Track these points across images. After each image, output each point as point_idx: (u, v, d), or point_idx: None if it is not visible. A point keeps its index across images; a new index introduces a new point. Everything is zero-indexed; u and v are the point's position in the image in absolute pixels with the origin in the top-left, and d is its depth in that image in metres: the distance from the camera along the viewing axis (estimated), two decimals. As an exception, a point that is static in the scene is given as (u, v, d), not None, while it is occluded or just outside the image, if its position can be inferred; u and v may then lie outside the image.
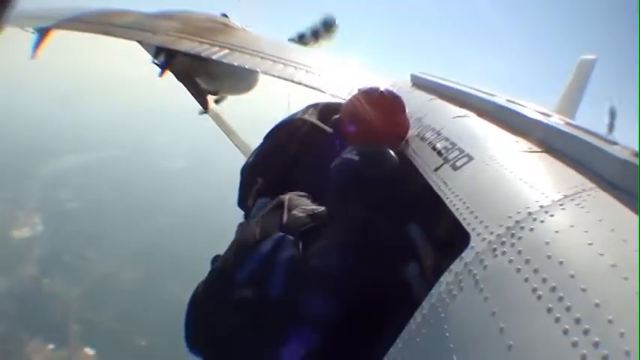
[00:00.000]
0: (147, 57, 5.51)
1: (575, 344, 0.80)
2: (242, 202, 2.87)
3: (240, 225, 2.48)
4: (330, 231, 1.80)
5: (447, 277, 1.23)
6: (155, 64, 5.20)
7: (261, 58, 4.42)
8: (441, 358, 1.12)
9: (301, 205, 2.02)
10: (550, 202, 1.18)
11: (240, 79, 6.15)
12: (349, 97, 2.83)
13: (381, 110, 2.54)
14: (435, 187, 1.72)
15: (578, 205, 1.15)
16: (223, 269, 1.95)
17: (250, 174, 2.91)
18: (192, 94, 5.72)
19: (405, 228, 1.94)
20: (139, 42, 5.22)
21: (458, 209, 1.46)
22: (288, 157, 2.70)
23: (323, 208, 1.97)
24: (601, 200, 1.17)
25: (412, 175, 2.14)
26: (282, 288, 1.72)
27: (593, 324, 0.81)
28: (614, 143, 1.31)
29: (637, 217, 1.06)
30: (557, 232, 1.08)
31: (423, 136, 2.31)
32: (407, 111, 2.65)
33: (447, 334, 1.12)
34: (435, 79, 3.00)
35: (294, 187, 2.29)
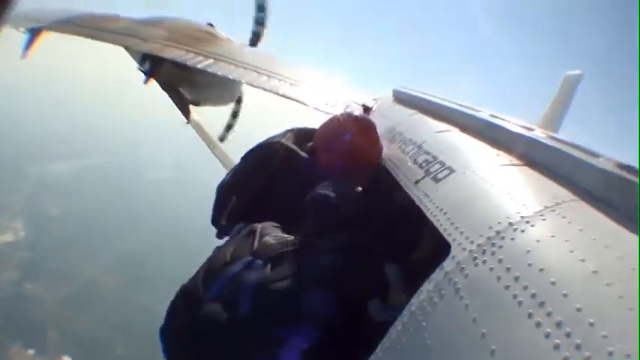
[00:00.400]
0: (134, 64, 5.56)
1: (557, 347, 0.81)
2: (215, 221, 2.89)
3: (217, 248, 2.50)
4: (300, 259, 1.87)
5: (427, 286, 1.23)
6: (140, 71, 5.23)
7: (245, 68, 4.44)
8: None
9: (273, 233, 2.09)
10: (531, 212, 1.19)
11: (224, 90, 6.19)
12: (322, 123, 2.90)
13: (354, 136, 2.62)
14: (416, 200, 1.72)
15: (558, 215, 1.16)
16: (192, 287, 2.01)
17: (225, 193, 2.93)
18: (175, 104, 5.73)
19: (376, 264, 2.01)
20: (126, 48, 5.24)
21: (438, 220, 1.46)
22: (264, 180, 2.74)
23: (293, 237, 2.03)
24: (582, 211, 1.18)
25: (386, 206, 2.26)
26: (248, 308, 1.78)
27: (574, 327, 0.81)
28: (597, 155, 1.32)
29: (619, 226, 1.07)
30: (538, 241, 1.09)
31: (404, 149, 2.32)
32: (388, 126, 2.69)
33: (428, 342, 1.11)
34: (416, 94, 3.02)
35: (268, 210, 2.37)
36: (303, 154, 2.75)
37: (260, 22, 6.37)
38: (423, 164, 1.95)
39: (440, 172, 1.76)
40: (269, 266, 1.87)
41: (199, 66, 4.51)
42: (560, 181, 1.35)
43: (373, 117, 3.36)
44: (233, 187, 2.90)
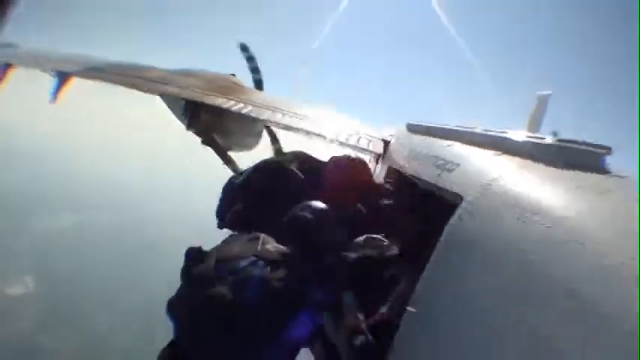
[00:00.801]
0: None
1: (536, 223, 1.65)
2: (220, 215, 3.57)
3: (224, 241, 2.96)
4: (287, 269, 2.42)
5: (456, 215, 2.10)
6: (184, 117, 5.45)
7: (283, 114, 4.88)
8: (467, 259, 1.93)
9: (272, 243, 2.59)
10: (506, 172, 2.11)
11: (248, 136, 6.40)
12: (329, 159, 3.63)
13: (349, 172, 3.48)
14: (440, 184, 2.58)
15: (524, 171, 2.08)
16: (205, 271, 2.48)
17: (231, 196, 3.58)
18: (213, 149, 5.91)
19: (329, 286, 2.58)
20: (162, 96, 5.40)
21: (454, 189, 2.34)
22: (268, 194, 3.35)
23: (286, 249, 2.57)
24: (537, 169, 2.09)
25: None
26: (250, 295, 2.26)
27: (545, 217, 1.66)
28: (544, 137, 2.28)
29: (555, 169, 2.00)
30: (512, 183, 1.99)
31: (424, 161, 3.19)
32: (410, 149, 3.57)
33: (469, 239, 1.96)
34: (425, 124, 3.90)
35: (266, 219, 2.85)
36: (301, 175, 3.50)
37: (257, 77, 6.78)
38: (440, 165, 2.81)
39: (451, 167, 2.64)
40: (268, 268, 2.36)
41: (243, 111, 4.78)
42: (524, 157, 2.27)
43: (393, 147, 4.30)
44: (238, 192, 3.56)
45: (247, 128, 6.19)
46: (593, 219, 1.55)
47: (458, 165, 2.61)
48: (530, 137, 2.40)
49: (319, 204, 2.85)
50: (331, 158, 3.71)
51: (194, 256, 3.14)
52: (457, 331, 1.83)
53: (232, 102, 4.91)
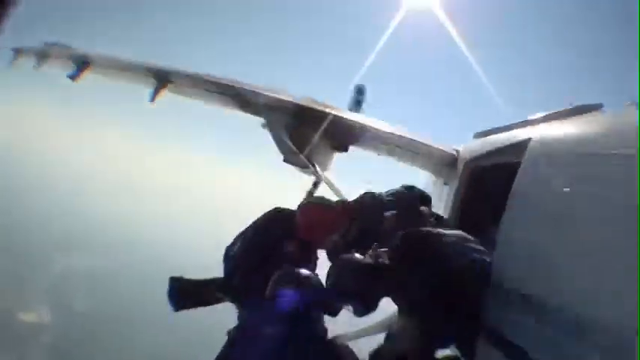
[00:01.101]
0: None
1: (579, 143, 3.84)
2: (229, 281, 3.89)
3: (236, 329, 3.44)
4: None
5: (530, 145, 3.97)
6: (283, 131, 5.54)
7: (373, 124, 6.02)
8: (547, 172, 3.62)
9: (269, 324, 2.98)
10: (550, 125, 4.24)
11: (329, 153, 6.53)
12: (298, 208, 4.06)
13: (319, 216, 3.88)
14: (512, 142, 4.61)
15: (561, 122, 4.15)
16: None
17: (231, 266, 3.87)
18: (309, 161, 5.90)
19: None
20: (270, 107, 5.53)
21: (515, 138, 4.43)
22: (259, 266, 3.59)
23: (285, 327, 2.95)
24: (567, 119, 4.14)
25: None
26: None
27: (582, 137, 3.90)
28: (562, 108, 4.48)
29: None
30: (555, 127, 4.09)
31: (495, 144, 5.14)
32: (480, 145, 5.39)
33: (545, 160, 3.83)
34: (487, 129, 5.72)
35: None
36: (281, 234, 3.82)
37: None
38: (507, 140, 4.78)
39: (516, 137, 4.59)
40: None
41: (346, 116, 5.64)
42: (557, 118, 4.39)
43: (465, 149, 5.98)
44: (234, 264, 3.85)
45: (330, 145, 6.34)
46: (610, 134, 3.16)
47: (519, 135, 4.52)
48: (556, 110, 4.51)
49: (301, 272, 3.10)
50: (299, 207, 4.06)
51: (179, 287, 4.01)
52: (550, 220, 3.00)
53: (334, 111, 5.52)
